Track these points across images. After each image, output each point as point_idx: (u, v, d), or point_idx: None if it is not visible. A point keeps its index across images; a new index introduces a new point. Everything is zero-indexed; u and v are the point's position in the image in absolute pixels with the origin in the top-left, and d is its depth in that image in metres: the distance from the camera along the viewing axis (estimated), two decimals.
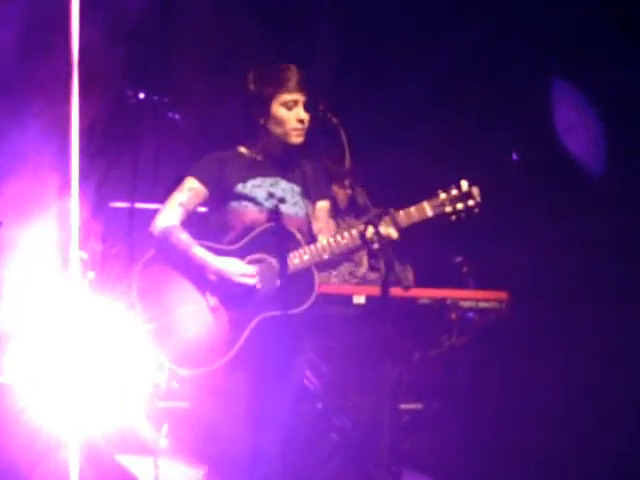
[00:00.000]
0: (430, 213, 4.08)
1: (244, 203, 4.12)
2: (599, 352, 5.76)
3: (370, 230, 3.89)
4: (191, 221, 4.17)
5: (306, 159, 4.26)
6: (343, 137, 4.01)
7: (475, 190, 4.10)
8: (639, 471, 5.54)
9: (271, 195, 4.13)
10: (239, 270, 4.04)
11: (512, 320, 5.42)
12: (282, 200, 4.13)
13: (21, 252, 5.13)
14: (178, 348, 4.02)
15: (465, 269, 5.60)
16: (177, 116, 5.68)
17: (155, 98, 5.62)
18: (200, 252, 4.06)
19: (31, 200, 5.25)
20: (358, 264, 5.65)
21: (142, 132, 5.71)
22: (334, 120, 4.05)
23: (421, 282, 5.59)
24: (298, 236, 4.08)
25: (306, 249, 4.07)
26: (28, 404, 4.48)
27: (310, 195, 4.21)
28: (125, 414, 4.98)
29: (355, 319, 5.23)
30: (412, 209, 4.07)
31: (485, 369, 5.70)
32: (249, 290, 4.03)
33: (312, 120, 4.12)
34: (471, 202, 4.09)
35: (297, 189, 4.19)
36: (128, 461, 4.89)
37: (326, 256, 4.07)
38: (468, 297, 5.41)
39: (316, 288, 4.08)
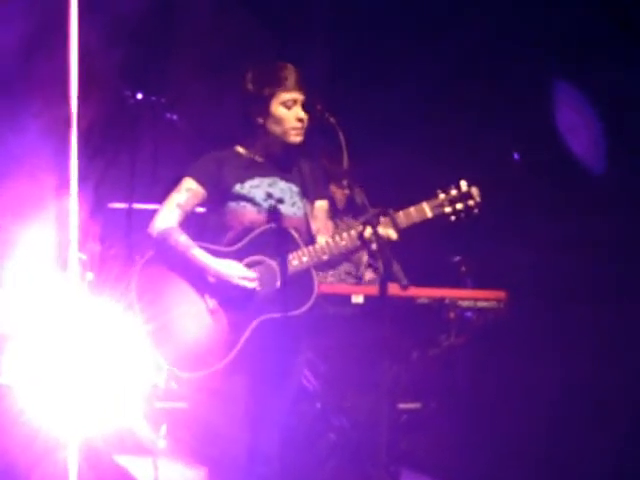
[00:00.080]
0: (430, 214, 4.07)
1: (242, 203, 4.11)
2: (598, 352, 5.76)
3: (368, 230, 3.88)
4: (189, 221, 4.16)
5: (304, 159, 4.25)
6: (341, 137, 4.01)
7: (474, 190, 4.10)
8: (639, 471, 5.54)
9: (269, 195, 4.12)
10: (239, 273, 4.03)
11: (511, 320, 5.41)
12: (280, 200, 4.13)
13: (20, 253, 5.13)
14: (177, 351, 4.01)
15: (463, 268, 5.59)
16: (175, 117, 5.66)
17: (153, 98, 5.61)
18: (199, 254, 4.05)
19: (29, 201, 5.24)
20: (356, 264, 5.65)
21: (140, 133, 5.70)
22: (332, 120, 4.04)
23: (419, 281, 5.58)
24: (296, 238, 4.08)
25: (305, 251, 4.06)
26: (27, 405, 4.47)
27: (308, 195, 4.21)
28: (124, 415, 4.97)
29: (353, 319, 5.22)
30: (411, 210, 4.06)
31: (483, 369, 5.70)
32: (248, 293, 4.03)
33: (310, 120, 4.12)
34: (471, 202, 4.09)
35: (295, 189, 4.18)
36: (127, 462, 4.89)
37: (325, 257, 4.06)
38: (466, 297, 5.40)
39: (315, 290, 4.07)
